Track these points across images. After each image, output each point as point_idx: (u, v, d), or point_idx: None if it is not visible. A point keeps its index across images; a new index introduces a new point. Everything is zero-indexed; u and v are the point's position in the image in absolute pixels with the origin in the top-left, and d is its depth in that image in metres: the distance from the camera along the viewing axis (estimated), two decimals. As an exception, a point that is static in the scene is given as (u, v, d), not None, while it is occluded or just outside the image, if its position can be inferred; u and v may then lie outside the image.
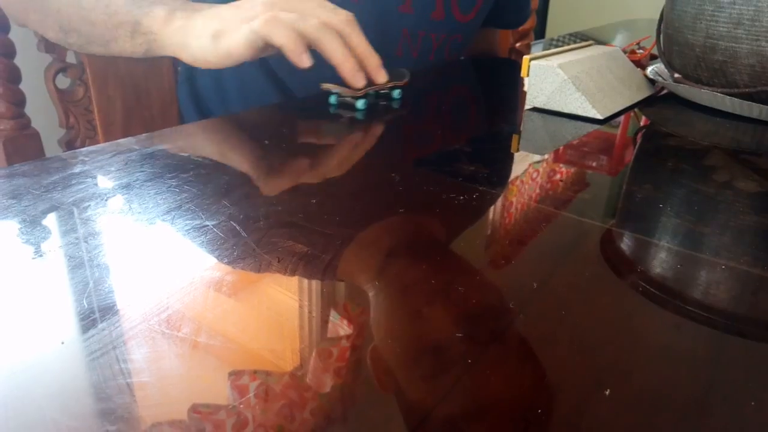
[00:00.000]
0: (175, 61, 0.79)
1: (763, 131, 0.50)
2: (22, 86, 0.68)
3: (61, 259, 0.26)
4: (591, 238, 0.30)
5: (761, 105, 0.51)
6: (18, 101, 0.65)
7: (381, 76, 0.51)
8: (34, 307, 0.22)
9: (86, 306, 0.22)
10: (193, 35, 0.48)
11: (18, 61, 0.67)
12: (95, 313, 0.22)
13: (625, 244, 0.30)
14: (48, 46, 0.69)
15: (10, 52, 0.65)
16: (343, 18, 0.49)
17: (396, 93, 0.55)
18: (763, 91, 0.51)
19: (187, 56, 0.49)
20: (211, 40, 0.47)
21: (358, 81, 0.49)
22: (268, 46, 0.47)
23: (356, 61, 0.49)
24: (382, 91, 0.54)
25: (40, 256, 0.26)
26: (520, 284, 0.25)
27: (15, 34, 0.66)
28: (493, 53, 0.94)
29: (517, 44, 1.24)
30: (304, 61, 0.46)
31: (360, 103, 0.51)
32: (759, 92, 0.51)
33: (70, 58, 0.75)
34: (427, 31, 0.72)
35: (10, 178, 0.34)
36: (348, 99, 0.51)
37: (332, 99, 0.52)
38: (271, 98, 0.70)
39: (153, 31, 0.50)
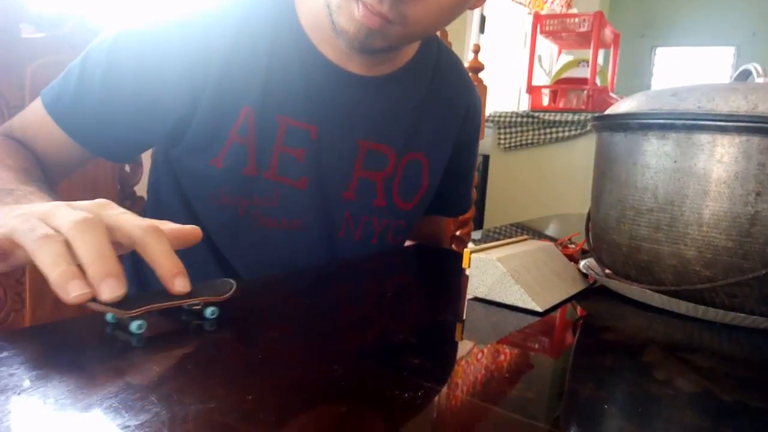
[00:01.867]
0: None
1: (692, 327, 0.52)
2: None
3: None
4: (539, 444, 0.29)
5: (687, 302, 0.54)
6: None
7: (179, 285, 0.40)
8: None
9: None
10: None
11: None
12: None
13: (574, 450, 0.29)
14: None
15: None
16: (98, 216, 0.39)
17: (209, 311, 0.42)
18: (687, 289, 0.54)
19: None
20: None
21: (70, 290, 0.34)
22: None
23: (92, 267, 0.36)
24: (194, 307, 0.42)
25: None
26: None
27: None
28: (437, 238, 0.99)
29: (458, 232, 1.31)
30: None
31: (134, 326, 0.38)
32: (684, 290, 0.54)
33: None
34: (369, 216, 0.75)
35: None
36: (122, 320, 0.39)
37: (109, 317, 0.40)
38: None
39: None
